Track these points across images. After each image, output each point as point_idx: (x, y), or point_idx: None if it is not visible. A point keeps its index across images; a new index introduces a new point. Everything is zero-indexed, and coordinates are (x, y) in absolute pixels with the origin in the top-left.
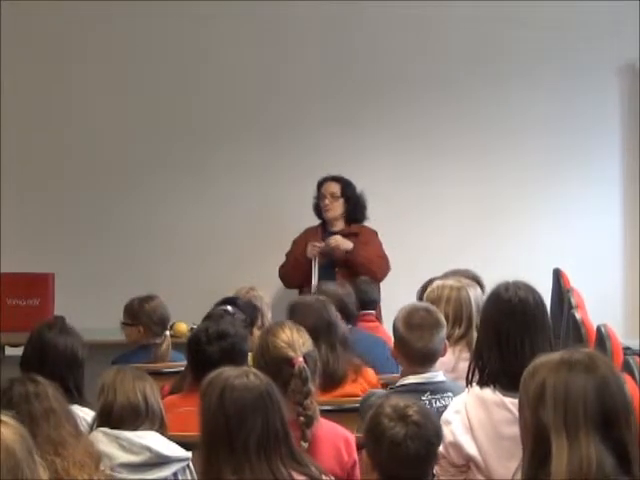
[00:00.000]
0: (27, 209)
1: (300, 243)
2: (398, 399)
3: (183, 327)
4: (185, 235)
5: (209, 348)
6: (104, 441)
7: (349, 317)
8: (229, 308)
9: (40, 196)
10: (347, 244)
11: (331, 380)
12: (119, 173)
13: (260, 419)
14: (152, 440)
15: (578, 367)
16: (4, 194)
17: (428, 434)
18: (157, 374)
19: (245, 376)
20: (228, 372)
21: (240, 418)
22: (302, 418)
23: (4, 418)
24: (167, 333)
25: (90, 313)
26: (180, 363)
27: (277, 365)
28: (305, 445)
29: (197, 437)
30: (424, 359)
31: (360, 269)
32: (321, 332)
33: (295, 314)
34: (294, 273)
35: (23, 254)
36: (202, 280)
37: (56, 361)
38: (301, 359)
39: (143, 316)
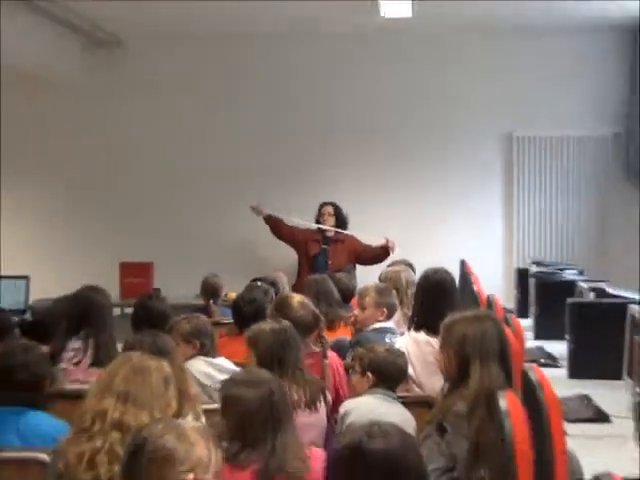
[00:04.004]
0: (136, 208)
1: (302, 229)
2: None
3: (233, 295)
4: (242, 238)
5: (244, 308)
6: (204, 364)
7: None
8: (259, 283)
9: (130, 198)
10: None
11: (332, 324)
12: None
13: (297, 343)
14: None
15: (485, 320)
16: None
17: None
18: (216, 324)
19: (279, 321)
20: (268, 322)
21: (293, 342)
22: (325, 343)
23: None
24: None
25: (176, 287)
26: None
27: (311, 315)
28: (327, 362)
29: (242, 362)
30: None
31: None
32: (326, 294)
33: (308, 287)
34: (279, 225)
35: (132, 247)
36: (247, 266)
37: (156, 320)
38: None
39: (205, 288)
